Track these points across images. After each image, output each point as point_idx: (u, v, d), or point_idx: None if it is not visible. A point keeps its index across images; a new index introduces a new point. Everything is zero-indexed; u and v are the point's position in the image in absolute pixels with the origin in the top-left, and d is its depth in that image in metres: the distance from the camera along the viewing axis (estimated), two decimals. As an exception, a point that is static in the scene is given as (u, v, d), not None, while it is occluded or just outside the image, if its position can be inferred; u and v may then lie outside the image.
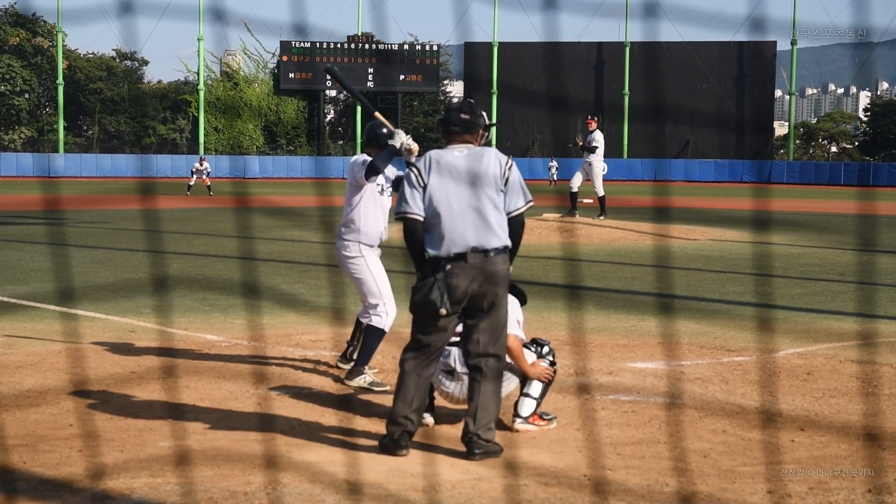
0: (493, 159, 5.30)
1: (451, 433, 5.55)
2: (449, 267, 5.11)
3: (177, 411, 5.94)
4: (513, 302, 5.71)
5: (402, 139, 6.51)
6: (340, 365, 7.19)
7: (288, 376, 6.98)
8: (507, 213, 5.26)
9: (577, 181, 20.17)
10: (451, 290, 5.08)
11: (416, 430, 5.20)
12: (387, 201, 6.98)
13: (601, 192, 20.03)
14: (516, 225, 5.29)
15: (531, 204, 5.36)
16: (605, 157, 19.94)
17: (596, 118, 20.60)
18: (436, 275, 5.11)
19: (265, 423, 5.71)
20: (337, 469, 4.82)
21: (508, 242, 5.23)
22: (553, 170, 51.10)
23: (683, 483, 4.67)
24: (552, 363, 5.85)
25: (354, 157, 6.94)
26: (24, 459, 4.96)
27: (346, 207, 6.91)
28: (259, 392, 6.51)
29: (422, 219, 5.23)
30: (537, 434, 5.53)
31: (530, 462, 5.00)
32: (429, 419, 5.70)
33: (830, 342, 8.25)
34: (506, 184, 5.26)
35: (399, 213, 5.31)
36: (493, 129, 60.26)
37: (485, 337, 5.16)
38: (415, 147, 6.52)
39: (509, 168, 5.29)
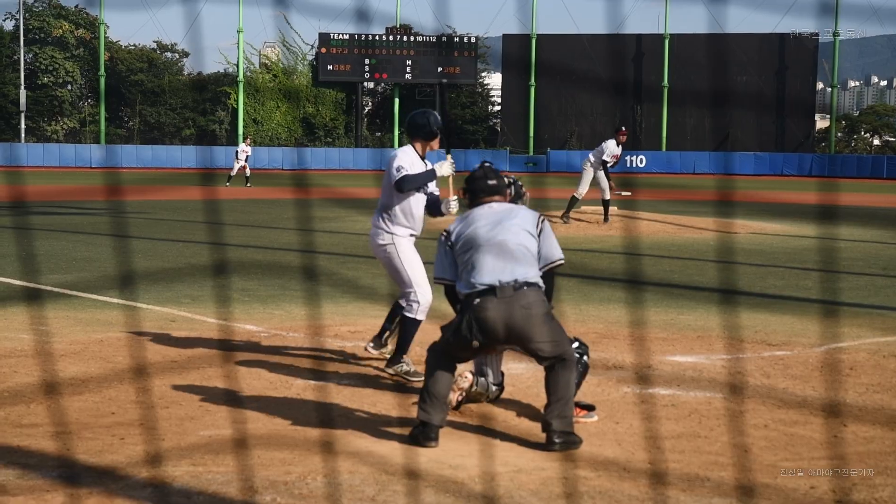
0: (524, 209, 5.52)
1: (489, 426, 5.55)
2: (478, 301, 5.15)
3: (217, 400, 5.99)
4: None
5: (444, 169, 6.92)
6: (370, 349, 7.16)
7: (327, 367, 7.01)
8: (541, 267, 5.33)
9: (606, 189, 19.65)
10: (480, 322, 5.10)
11: (445, 416, 5.20)
12: (422, 197, 6.95)
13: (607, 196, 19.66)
14: (549, 277, 5.38)
15: (562, 262, 5.43)
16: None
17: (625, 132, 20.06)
18: (465, 311, 5.17)
19: (305, 412, 5.75)
20: (376, 459, 4.83)
21: (540, 281, 5.27)
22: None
23: (724, 478, 4.63)
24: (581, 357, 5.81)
25: (395, 151, 6.90)
26: (67, 446, 5.02)
27: (382, 195, 6.91)
28: (298, 382, 6.54)
29: (452, 282, 5.40)
30: (576, 427, 5.51)
31: (569, 455, 4.98)
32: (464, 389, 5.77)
33: (874, 337, 8.14)
34: (540, 234, 5.36)
35: (435, 278, 5.64)
36: (531, 123, 60.09)
37: (547, 349, 5.17)
38: (452, 171, 6.94)
39: (542, 220, 5.42)
